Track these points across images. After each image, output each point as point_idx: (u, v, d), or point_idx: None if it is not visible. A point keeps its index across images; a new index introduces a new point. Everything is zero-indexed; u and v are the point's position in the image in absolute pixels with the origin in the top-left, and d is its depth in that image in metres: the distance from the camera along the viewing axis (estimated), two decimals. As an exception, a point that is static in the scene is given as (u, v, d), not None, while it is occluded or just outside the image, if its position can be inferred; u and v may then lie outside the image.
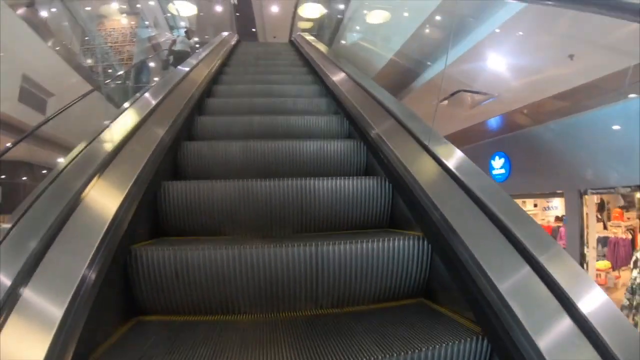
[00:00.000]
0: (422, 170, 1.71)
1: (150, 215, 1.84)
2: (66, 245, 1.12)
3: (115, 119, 2.11)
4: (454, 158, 1.66)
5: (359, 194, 1.93)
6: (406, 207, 1.80)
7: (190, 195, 1.89)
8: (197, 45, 9.04)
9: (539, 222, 11.70)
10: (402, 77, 6.69)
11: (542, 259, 1.09)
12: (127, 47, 10.74)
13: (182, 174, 2.34)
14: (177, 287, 1.43)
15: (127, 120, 2.10)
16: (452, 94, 5.80)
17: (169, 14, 12.64)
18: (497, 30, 4.07)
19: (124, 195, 1.47)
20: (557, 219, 10.42)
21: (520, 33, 4.17)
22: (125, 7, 11.52)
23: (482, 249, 1.19)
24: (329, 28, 9.67)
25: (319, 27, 10.58)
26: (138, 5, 11.74)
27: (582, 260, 7.07)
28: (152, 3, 11.75)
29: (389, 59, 6.58)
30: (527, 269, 1.10)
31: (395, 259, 1.49)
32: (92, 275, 1.08)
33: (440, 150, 1.73)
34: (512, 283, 1.07)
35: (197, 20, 12.83)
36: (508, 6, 3.77)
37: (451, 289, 1.38)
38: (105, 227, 1.25)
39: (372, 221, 1.98)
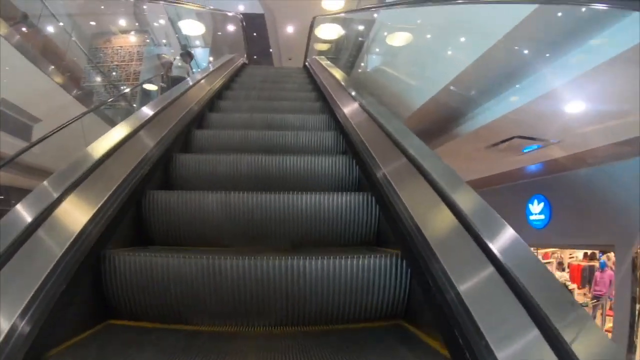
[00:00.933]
0: (456, 257, 1.29)
1: (89, 293, 1.49)
2: None
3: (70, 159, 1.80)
4: (509, 246, 1.23)
5: (366, 278, 1.53)
6: (426, 304, 1.38)
7: (142, 271, 1.52)
8: (211, 67, 8.75)
9: (567, 259, 11.13)
10: (445, 119, 5.78)
11: None
12: (134, 67, 10.72)
13: (143, 235, 1.99)
14: None
15: (77, 163, 1.76)
16: (505, 141, 5.22)
17: (183, 33, 12.64)
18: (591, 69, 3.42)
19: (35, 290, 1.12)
20: (586, 256, 9.89)
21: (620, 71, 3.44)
22: (137, 24, 11.57)
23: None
24: (348, 51, 9.29)
25: (337, 50, 10.27)
26: (156, 24, 11.78)
27: (633, 320, 6.46)
28: (162, 22, 11.77)
29: (431, 97, 5.48)
30: None
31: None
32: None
33: (487, 229, 1.30)
34: None
35: (213, 40, 12.80)
36: (611, 38, 3.17)
37: None
38: None
39: (380, 312, 1.56)
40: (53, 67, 6.71)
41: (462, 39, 5.14)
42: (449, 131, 5.78)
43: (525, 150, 5.60)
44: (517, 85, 4.38)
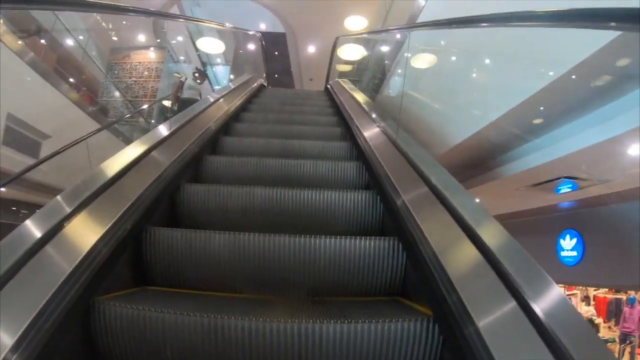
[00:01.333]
0: (497, 327, 1.11)
1: (77, 342, 1.34)
2: None
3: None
4: (562, 319, 1.04)
5: (392, 345, 1.33)
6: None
7: (135, 324, 1.37)
8: (232, 85, 8.54)
9: (592, 291, 10.63)
10: (487, 156, 5.26)
11: None
12: (151, 83, 10.80)
13: (143, 274, 1.84)
14: None
15: (69, 196, 1.63)
16: (550, 181, 4.88)
17: (204, 51, 12.67)
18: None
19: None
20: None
21: None
22: (158, 40, 11.67)
23: None
24: (372, 73, 8.98)
25: (360, 72, 9.98)
26: (174, 42, 11.86)
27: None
28: (182, 39, 11.87)
29: (475, 132, 4.84)
30: None
31: None
32: None
33: (536, 295, 1.11)
34: None
35: (234, 58, 12.81)
36: None
37: None
38: None
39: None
40: (67, 83, 6.71)
41: (520, 66, 4.37)
42: (490, 170, 5.37)
43: (558, 192, 5.29)
44: (580, 123, 3.94)
